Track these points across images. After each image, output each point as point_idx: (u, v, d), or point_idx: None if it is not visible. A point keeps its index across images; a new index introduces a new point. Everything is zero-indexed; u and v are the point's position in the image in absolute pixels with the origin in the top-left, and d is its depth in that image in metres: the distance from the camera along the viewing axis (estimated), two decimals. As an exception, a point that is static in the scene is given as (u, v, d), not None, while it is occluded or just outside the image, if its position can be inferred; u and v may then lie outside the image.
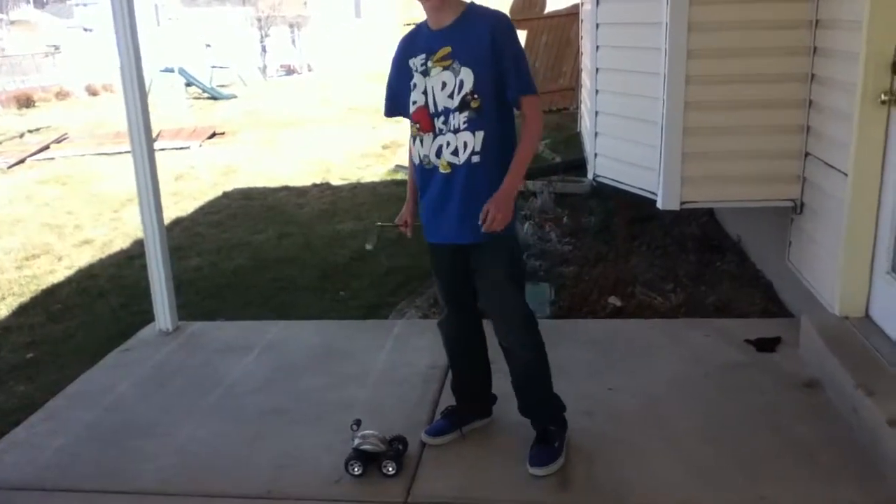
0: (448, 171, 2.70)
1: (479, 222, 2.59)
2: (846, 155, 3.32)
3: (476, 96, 2.62)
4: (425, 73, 2.68)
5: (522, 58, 2.68)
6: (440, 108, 2.67)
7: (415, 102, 2.72)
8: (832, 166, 3.50)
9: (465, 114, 2.64)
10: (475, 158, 2.66)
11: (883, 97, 3.15)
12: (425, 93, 2.69)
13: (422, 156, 2.75)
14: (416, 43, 2.74)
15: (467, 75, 2.61)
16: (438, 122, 2.68)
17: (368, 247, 2.86)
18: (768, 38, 3.75)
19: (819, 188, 3.68)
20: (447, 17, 2.67)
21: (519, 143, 2.70)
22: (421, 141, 2.73)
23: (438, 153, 2.70)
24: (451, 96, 2.65)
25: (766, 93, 3.81)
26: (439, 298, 3.04)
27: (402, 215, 2.97)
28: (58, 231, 7.37)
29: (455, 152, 2.68)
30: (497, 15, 2.69)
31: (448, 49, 2.64)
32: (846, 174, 3.32)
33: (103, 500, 2.81)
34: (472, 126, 2.65)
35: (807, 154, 3.80)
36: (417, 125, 2.73)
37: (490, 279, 2.79)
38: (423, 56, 2.69)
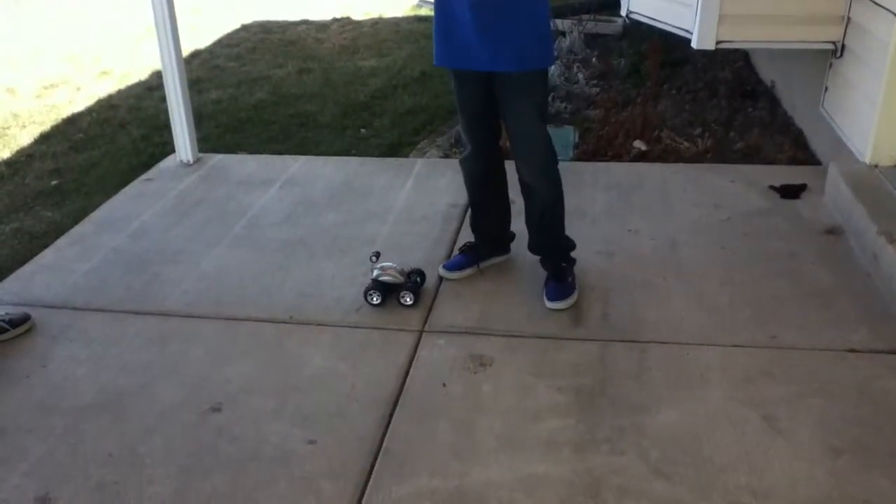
0: None
1: None
2: (898, -7, 3.13)
3: None
4: None
5: None
6: None
7: None
8: (881, 5, 3.30)
9: None
10: None
11: (945, -71, 2.93)
12: None
13: None
14: None
15: None
16: None
17: None
18: None
19: (864, 30, 3.49)
20: None
21: None
22: None
23: None
24: None
25: (818, -77, 3.55)
26: (462, 134, 2.98)
27: None
28: (75, 61, 7.24)
29: None
30: None
31: None
32: (895, 13, 3.14)
33: (132, 319, 2.91)
34: None
35: (855, -7, 3.58)
36: None
37: (519, 111, 2.71)
38: None
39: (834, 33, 3.71)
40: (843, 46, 3.69)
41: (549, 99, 5.15)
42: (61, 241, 3.56)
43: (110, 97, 6.12)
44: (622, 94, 5.26)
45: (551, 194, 2.86)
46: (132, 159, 4.75)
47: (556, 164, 2.83)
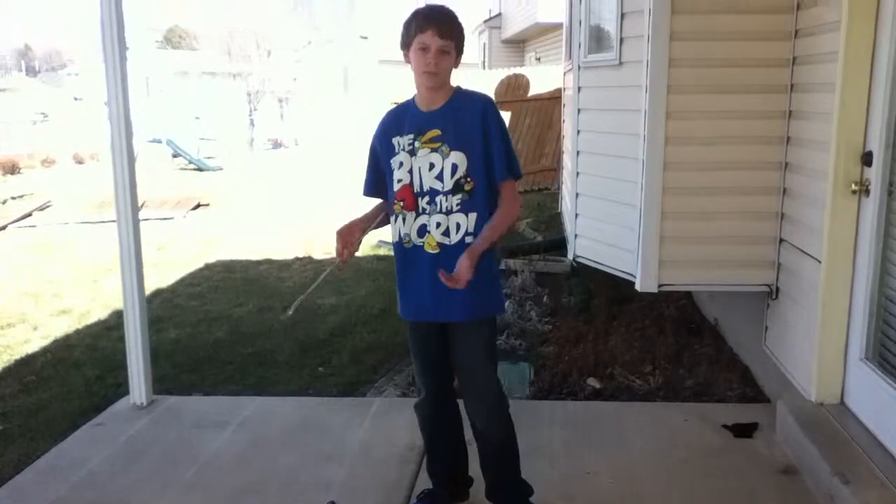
0: (437, 251, 2.72)
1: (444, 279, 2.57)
2: (819, 242, 3.40)
3: (469, 179, 2.68)
4: (412, 153, 2.72)
5: (509, 140, 2.75)
6: (426, 189, 2.71)
7: (399, 181, 2.75)
8: (806, 252, 3.57)
9: (458, 196, 2.69)
10: (469, 238, 2.70)
11: (854, 186, 3.24)
12: (411, 172, 2.73)
13: (402, 234, 2.78)
14: (402, 122, 2.77)
15: (460, 159, 2.67)
16: (422, 202, 2.73)
17: (289, 313, 2.83)
18: (743, 128, 3.88)
19: (793, 274, 3.75)
20: (439, 100, 2.72)
21: (496, 213, 2.72)
22: (403, 219, 2.76)
23: (421, 233, 2.74)
24: (439, 178, 2.69)
25: (741, 180, 3.92)
26: (417, 380, 3.03)
27: (345, 236, 2.76)
28: (35, 299, 7.31)
29: (446, 233, 2.71)
30: (486, 99, 2.75)
31: (437, 132, 2.69)
32: (819, 261, 3.39)
33: (67, 582, 2.73)
34: (465, 208, 2.70)
35: (781, 240, 3.88)
36: (401, 203, 2.76)
37: (469, 358, 2.81)
38: (411, 136, 2.72)
39: (767, 276, 3.96)
40: (777, 289, 3.93)
41: (504, 336, 5.30)
42: (-1, 493, 3.39)
43: (67, 336, 6.11)
44: (574, 330, 5.43)
45: (503, 438, 2.87)
46: (84, 402, 4.67)
47: (507, 408, 2.87)
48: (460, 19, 2.72)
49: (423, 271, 2.75)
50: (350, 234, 2.76)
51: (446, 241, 2.72)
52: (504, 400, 2.85)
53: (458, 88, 2.77)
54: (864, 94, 3.20)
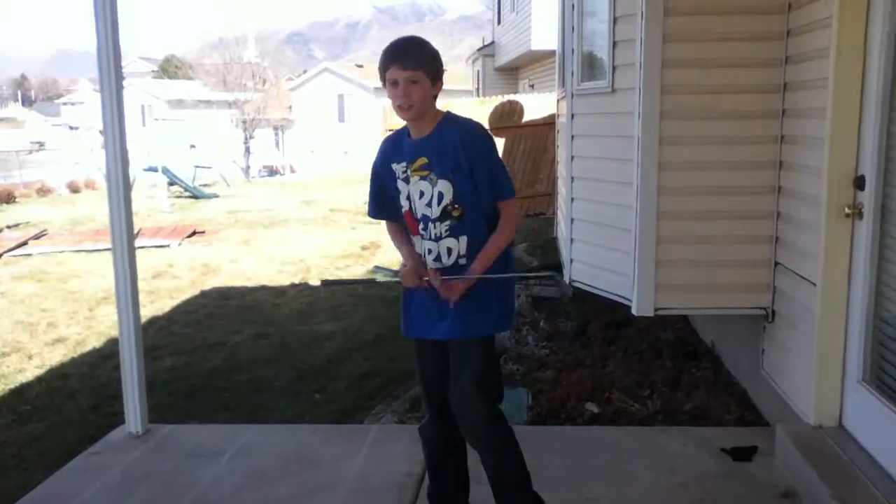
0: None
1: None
2: (814, 265, 3.41)
3: (457, 206, 2.71)
4: (406, 181, 2.77)
5: (497, 164, 2.74)
6: (419, 216, 2.77)
7: (402, 207, 2.82)
8: (801, 276, 3.58)
9: (447, 223, 2.72)
10: (462, 261, 2.75)
11: (847, 210, 3.26)
12: (409, 199, 2.78)
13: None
14: (398, 149, 2.81)
15: (445, 188, 2.70)
16: (420, 227, 2.79)
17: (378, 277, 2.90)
18: (736, 153, 3.91)
19: (789, 297, 3.76)
20: (425, 128, 2.75)
21: (490, 238, 2.74)
22: (413, 242, 2.85)
23: (423, 255, 2.81)
24: (429, 205, 2.73)
25: (735, 204, 3.94)
26: (423, 401, 3.04)
27: (408, 267, 2.81)
28: (30, 329, 7.27)
29: (437, 258, 2.76)
30: (465, 127, 2.74)
31: (425, 160, 2.73)
32: (814, 284, 3.41)
33: None
34: (454, 232, 2.73)
35: (776, 264, 3.90)
36: (409, 228, 2.84)
37: (457, 380, 2.79)
38: (405, 164, 2.77)
39: (763, 300, 3.97)
40: (773, 311, 3.94)
41: (501, 361, 5.28)
42: (-8, 525, 3.36)
43: (62, 365, 6.08)
44: (571, 355, 5.42)
45: (500, 464, 2.83)
46: (79, 431, 4.64)
47: (501, 433, 2.81)
48: (428, 45, 2.72)
49: (418, 291, 2.81)
50: (419, 275, 2.77)
51: (438, 265, 2.77)
52: (496, 425, 2.79)
53: (447, 115, 2.77)
54: (856, 118, 3.23)
